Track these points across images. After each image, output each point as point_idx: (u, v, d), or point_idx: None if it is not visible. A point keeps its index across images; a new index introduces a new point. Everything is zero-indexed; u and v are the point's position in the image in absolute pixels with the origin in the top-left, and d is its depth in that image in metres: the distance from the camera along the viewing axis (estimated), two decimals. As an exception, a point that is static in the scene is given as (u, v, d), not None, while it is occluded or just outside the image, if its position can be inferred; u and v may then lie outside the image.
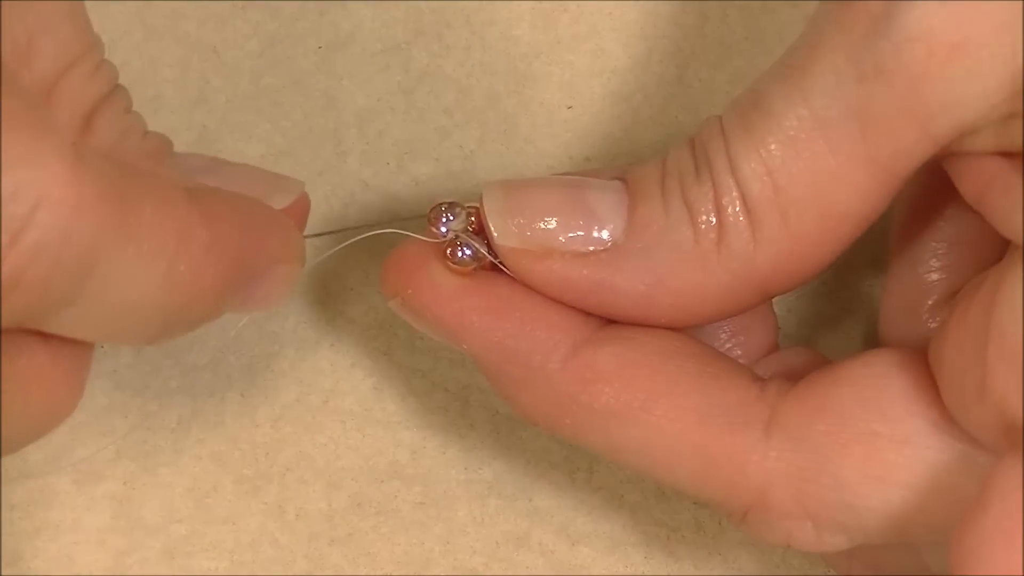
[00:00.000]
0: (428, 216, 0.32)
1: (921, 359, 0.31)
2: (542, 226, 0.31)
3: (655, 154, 0.32)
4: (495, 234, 0.31)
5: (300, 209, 0.34)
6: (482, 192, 0.32)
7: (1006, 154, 0.29)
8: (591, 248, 0.31)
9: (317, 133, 0.38)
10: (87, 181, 0.26)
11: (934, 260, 0.33)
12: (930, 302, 0.33)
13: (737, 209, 0.30)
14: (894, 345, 0.33)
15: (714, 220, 0.30)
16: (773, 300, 0.33)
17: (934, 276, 0.33)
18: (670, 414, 0.31)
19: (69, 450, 0.37)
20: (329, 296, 0.38)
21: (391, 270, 0.33)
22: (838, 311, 0.38)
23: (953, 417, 0.30)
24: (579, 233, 0.31)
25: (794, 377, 0.32)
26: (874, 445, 0.30)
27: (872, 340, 0.36)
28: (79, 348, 0.29)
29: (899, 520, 0.30)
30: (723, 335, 0.34)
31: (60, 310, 0.27)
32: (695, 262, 0.30)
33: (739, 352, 0.34)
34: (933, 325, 0.33)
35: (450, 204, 0.32)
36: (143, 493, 0.37)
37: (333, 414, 0.37)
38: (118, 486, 0.37)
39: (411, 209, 0.38)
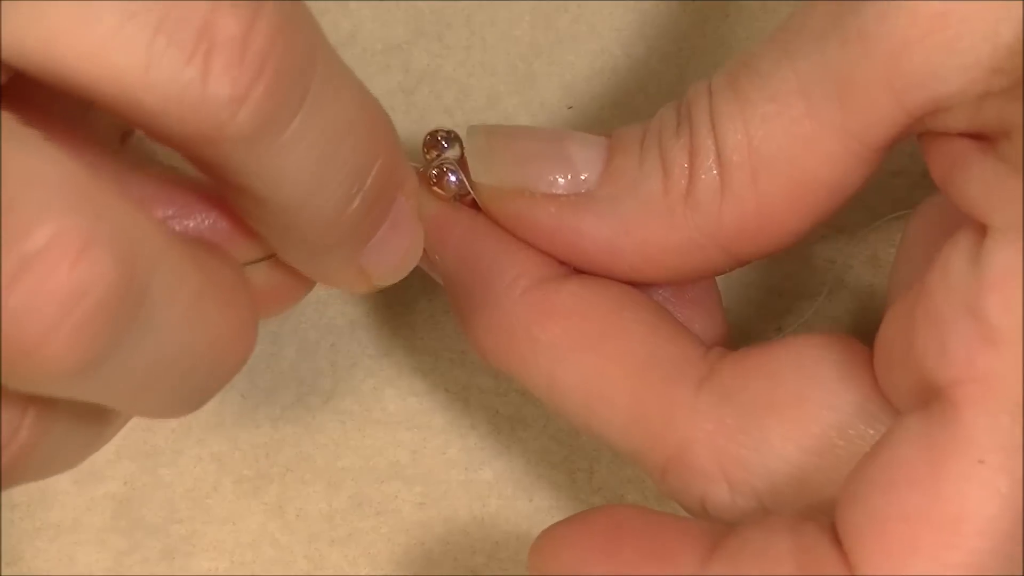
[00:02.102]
0: (424, 141, 0.33)
1: (866, 348, 0.31)
2: (518, 168, 0.32)
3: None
4: (476, 179, 0.32)
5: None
6: (467, 132, 0.33)
7: (976, 135, 0.29)
8: (563, 192, 0.32)
9: (317, 133, 0.38)
10: None
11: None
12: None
13: (710, 163, 0.30)
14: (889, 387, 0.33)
15: (686, 174, 0.30)
16: (773, 302, 0.33)
17: None
18: (613, 357, 0.31)
19: (69, 450, 0.37)
20: (329, 296, 0.38)
21: None
22: (838, 311, 0.38)
23: (880, 386, 0.30)
24: (553, 177, 0.32)
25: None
26: (802, 409, 0.30)
27: (872, 341, 0.36)
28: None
29: (813, 489, 0.30)
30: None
31: None
32: (661, 214, 0.31)
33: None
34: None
35: (447, 133, 0.33)
36: (143, 493, 0.37)
37: (333, 414, 0.37)
38: (118, 486, 0.37)
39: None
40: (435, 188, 0.33)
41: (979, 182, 0.28)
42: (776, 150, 0.30)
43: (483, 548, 0.37)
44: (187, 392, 0.27)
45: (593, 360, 0.31)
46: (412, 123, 0.38)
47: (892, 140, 0.29)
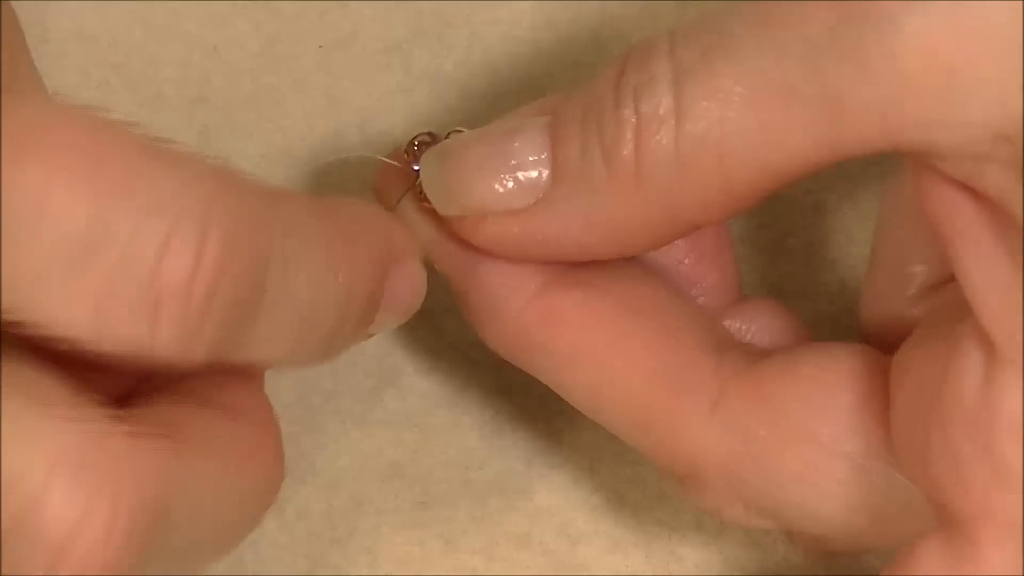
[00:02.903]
0: (405, 148, 0.33)
1: (882, 367, 0.31)
2: (473, 192, 0.31)
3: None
4: (437, 209, 0.32)
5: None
6: (421, 163, 0.32)
7: (970, 189, 0.27)
8: (523, 204, 0.31)
9: (317, 133, 0.38)
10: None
11: (918, 252, 0.33)
12: (911, 291, 0.33)
13: (667, 147, 0.29)
14: (871, 328, 0.33)
15: (631, 148, 0.29)
16: (766, 291, 0.33)
17: (917, 267, 0.33)
18: (621, 368, 0.31)
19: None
20: (329, 296, 0.38)
21: (376, 193, 0.34)
22: (838, 311, 0.38)
23: (894, 448, 0.30)
24: (509, 192, 0.31)
25: (754, 350, 0.32)
26: (810, 452, 0.30)
27: (873, 343, 0.36)
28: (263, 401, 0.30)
29: (821, 524, 0.31)
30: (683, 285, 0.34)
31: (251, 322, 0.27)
32: (618, 204, 0.30)
33: (701, 301, 0.34)
34: (914, 313, 0.33)
35: (428, 137, 0.33)
36: (143, 493, 0.37)
37: (333, 414, 0.37)
38: (118, 486, 0.37)
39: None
40: (424, 203, 0.33)
41: (986, 288, 0.27)
42: (749, 141, 0.29)
43: (483, 548, 0.37)
44: None
45: (601, 370, 0.32)
46: (412, 123, 0.38)
47: (870, 155, 0.28)
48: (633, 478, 0.37)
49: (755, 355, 0.32)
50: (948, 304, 0.30)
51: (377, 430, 0.37)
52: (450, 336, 0.38)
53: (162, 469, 0.25)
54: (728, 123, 0.28)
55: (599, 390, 0.32)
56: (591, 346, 0.32)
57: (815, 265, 0.38)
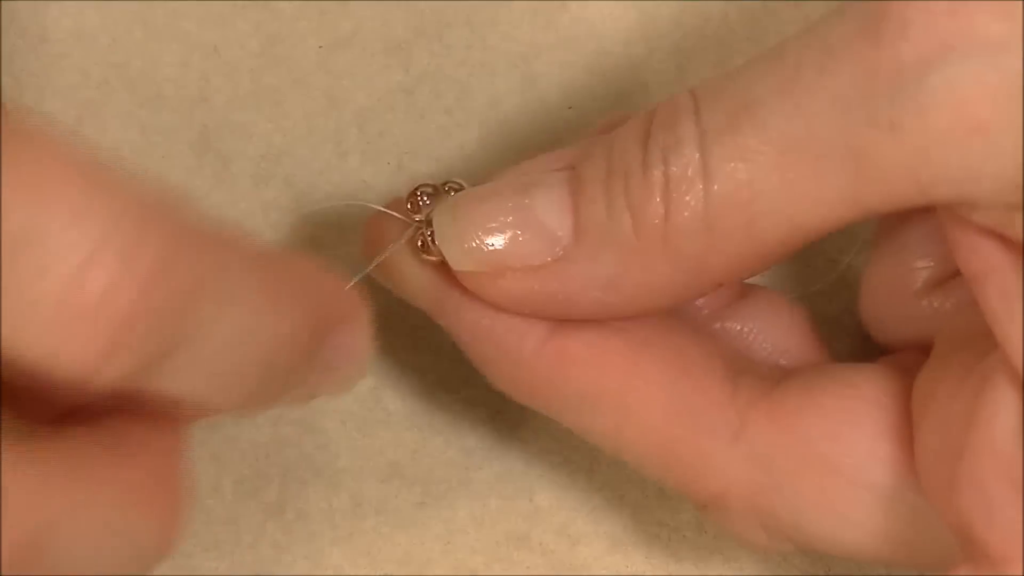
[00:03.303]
0: (407, 199, 0.33)
1: (902, 391, 0.31)
2: (491, 246, 0.31)
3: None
4: (452, 266, 0.31)
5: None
6: (433, 216, 0.32)
7: (1004, 237, 0.28)
8: (542, 260, 0.31)
9: (317, 133, 0.38)
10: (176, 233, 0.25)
11: (922, 247, 0.33)
12: (916, 288, 0.33)
13: (695, 211, 0.29)
14: (873, 325, 0.33)
15: (661, 223, 0.29)
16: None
17: (921, 263, 0.33)
18: (639, 408, 0.31)
19: (69, 450, 0.37)
20: (329, 296, 0.38)
21: (366, 241, 0.33)
22: (838, 311, 0.38)
23: (920, 478, 0.30)
24: (528, 248, 0.31)
25: (765, 371, 0.32)
26: (834, 483, 0.31)
27: (873, 344, 0.36)
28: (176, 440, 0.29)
29: (846, 550, 0.31)
30: None
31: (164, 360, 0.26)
32: (643, 265, 0.30)
33: (700, 303, 0.34)
34: (917, 312, 0.33)
35: (430, 189, 0.32)
36: (143, 493, 0.37)
37: (333, 414, 0.37)
38: (118, 486, 0.37)
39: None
40: (425, 255, 0.32)
41: (1017, 332, 0.27)
42: (779, 205, 0.28)
43: (483, 548, 0.37)
44: None
45: (618, 409, 0.31)
46: (412, 123, 0.38)
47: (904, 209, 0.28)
48: (633, 478, 0.37)
49: (768, 378, 0.32)
50: (968, 328, 0.30)
51: (377, 430, 0.37)
52: (450, 336, 0.38)
53: (41, 503, 0.25)
54: (757, 185, 0.28)
55: (618, 429, 0.32)
56: (605, 386, 0.31)
57: (816, 265, 0.38)
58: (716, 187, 0.28)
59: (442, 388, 0.38)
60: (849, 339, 0.38)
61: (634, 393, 0.31)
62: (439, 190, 0.33)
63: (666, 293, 0.30)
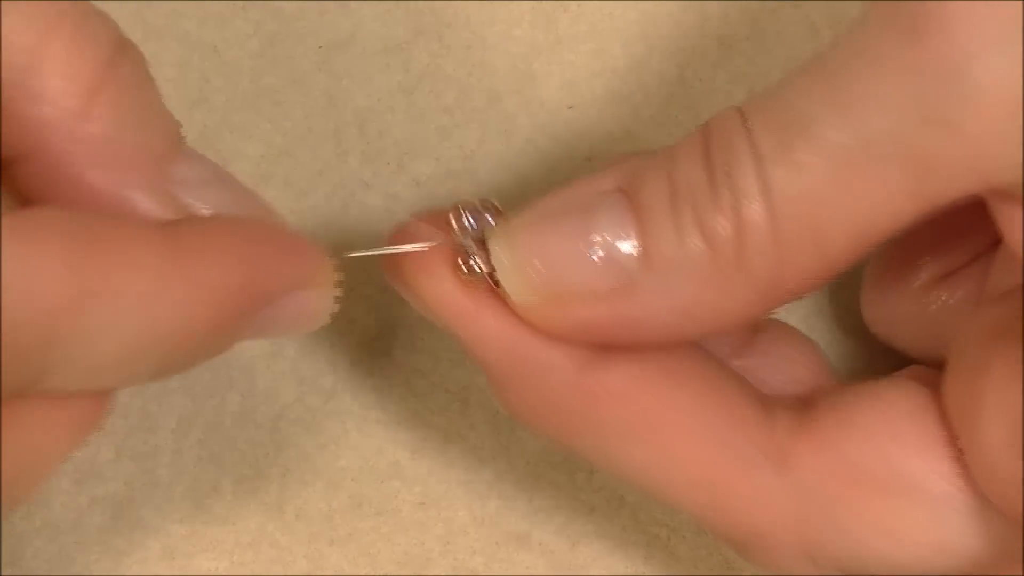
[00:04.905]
0: (449, 217, 0.31)
1: (931, 399, 0.30)
2: (553, 276, 0.30)
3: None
4: (510, 295, 0.30)
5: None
6: (488, 242, 0.30)
7: None
8: (608, 287, 0.30)
9: (317, 133, 0.38)
10: (42, 254, 0.25)
11: (924, 239, 0.33)
12: (920, 282, 0.33)
13: (764, 228, 0.28)
14: (874, 322, 0.33)
15: (734, 243, 0.29)
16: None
17: (924, 257, 0.33)
18: (679, 442, 0.30)
19: (69, 450, 0.37)
20: (329, 296, 0.38)
21: (395, 260, 0.31)
22: (839, 311, 0.38)
23: (977, 478, 0.30)
24: (595, 275, 0.30)
25: (790, 401, 0.32)
26: (888, 503, 0.30)
27: (874, 343, 0.36)
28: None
29: (903, 569, 0.30)
30: None
31: (38, 380, 0.26)
32: (717, 287, 0.29)
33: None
34: (922, 306, 0.33)
35: (475, 208, 0.31)
36: (143, 493, 0.37)
37: (333, 414, 0.37)
38: (118, 486, 0.37)
39: (410, 208, 0.38)
40: (461, 275, 0.31)
41: None
42: (844, 214, 0.28)
43: (483, 548, 0.37)
44: None
45: (655, 444, 0.31)
46: (412, 123, 0.38)
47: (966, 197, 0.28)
48: (633, 478, 0.37)
49: (796, 407, 0.31)
50: (1002, 317, 0.29)
51: (377, 430, 0.37)
52: (450, 336, 0.38)
53: None
54: (819, 196, 0.28)
55: (656, 464, 0.31)
56: (645, 420, 0.30)
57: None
58: (781, 204, 0.28)
59: (442, 388, 0.38)
60: (849, 339, 0.38)
61: (673, 426, 0.30)
62: (479, 210, 0.31)
63: (738, 314, 0.30)
